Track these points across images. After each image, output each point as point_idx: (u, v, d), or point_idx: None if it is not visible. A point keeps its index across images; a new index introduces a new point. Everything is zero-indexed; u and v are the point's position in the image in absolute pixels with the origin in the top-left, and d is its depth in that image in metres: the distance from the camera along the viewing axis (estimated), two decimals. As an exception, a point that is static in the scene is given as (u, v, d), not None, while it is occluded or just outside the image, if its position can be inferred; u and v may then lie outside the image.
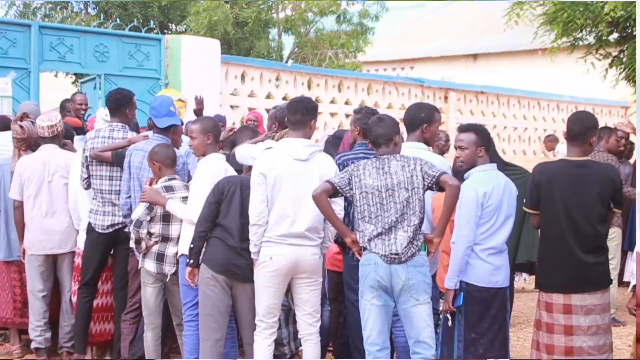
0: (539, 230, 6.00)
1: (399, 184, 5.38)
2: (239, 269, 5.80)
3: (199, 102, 9.00)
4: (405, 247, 5.34)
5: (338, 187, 5.41)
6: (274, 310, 5.72)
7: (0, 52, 10.05)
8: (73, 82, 18.82)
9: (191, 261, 5.85)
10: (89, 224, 6.91)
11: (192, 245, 5.86)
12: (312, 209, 5.54)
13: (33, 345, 7.21)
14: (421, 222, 5.44)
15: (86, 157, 6.84)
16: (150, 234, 6.21)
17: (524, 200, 5.98)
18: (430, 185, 5.40)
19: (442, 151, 8.42)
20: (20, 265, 7.37)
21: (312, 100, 6.15)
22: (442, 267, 6.04)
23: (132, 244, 6.27)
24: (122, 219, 6.80)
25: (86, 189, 6.92)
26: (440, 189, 5.41)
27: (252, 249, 5.67)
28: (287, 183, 5.63)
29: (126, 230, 6.59)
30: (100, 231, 6.85)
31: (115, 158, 6.76)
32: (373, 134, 5.59)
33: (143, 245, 6.20)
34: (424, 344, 5.42)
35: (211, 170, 6.10)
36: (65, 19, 16.78)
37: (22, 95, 10.04)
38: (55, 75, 16.59)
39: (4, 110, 9.75)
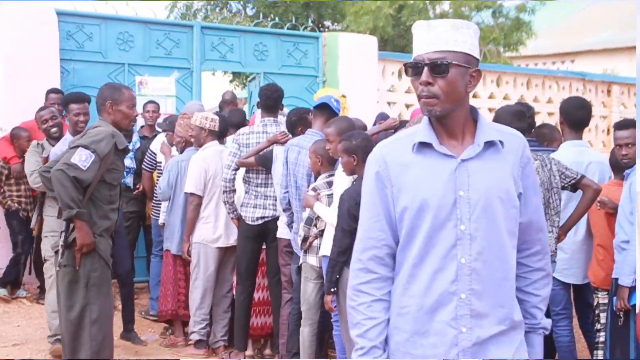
0: None
1: (542, 184, 5.29)
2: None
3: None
4: (554, 249, 5.56)
5: None
6: None
7: (164, 52, 10.36)
8: (231, 81, 19.26)
9: (333, 290, 5.59)
10: (240, 216, 7.08)
11: (337, 276, 5.54)
12: None
13: (195, 337, 7.37)
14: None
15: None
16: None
17: None
18: (565, 185, 5.62)
19: None
20: (186, 259, 7.54)
21: (521, 106, 6.15)
22: (596, 262, 5.88)
23: (299, 241, 6.27)
24: (271, 212, 6.96)
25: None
26: (573, 189, 5.61)
27: None
28: None
29: (284, 223, 6.68)
30: (250, 223, 6.99)
31: (260, 160, 6.87)
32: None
33: (308, 242, 6.21)
34: None
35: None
36: (224, 19, 17.16)
37: (184, 95, 10.33)
38: (213, 74, 16.99)
39: (168, 109, 10.04)
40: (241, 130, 7.23)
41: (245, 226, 7.06)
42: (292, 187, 6.52)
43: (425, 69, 2.79)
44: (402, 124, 6.95)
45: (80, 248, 5.24)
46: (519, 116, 5.55)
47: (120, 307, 7.65)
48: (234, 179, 7.05)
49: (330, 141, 6.00)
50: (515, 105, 6.30)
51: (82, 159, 5.20)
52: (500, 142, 2.86)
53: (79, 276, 5.31)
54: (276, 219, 6.93)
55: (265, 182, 7.01)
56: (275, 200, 6.92)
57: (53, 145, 7.20)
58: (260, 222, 7.00)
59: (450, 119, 2.85)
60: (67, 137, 6.84)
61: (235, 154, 7.02)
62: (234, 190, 7.09)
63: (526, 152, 2.96)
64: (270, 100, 7.15)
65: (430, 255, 2.82)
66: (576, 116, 6.16)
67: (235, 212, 7.15)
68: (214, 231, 7.37)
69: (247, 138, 7.04)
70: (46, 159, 7.03)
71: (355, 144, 5.60)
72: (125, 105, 5.62)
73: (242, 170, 7.08)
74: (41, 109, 7.68)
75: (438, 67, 2.77)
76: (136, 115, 5.91)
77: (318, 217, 6.08)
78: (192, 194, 7.32)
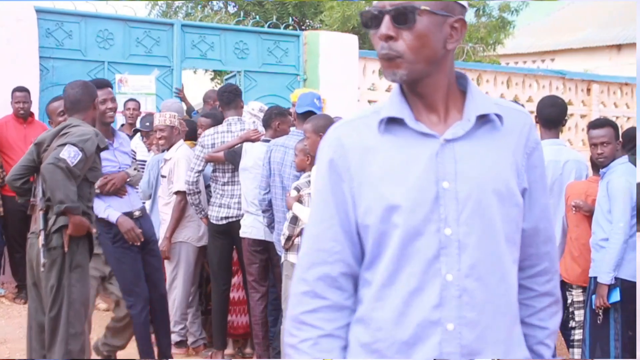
0: None
1: None
2: None
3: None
4: None
5: None
6: None
7: (144, 50, 10.33)
8: (212, 79, 19.21)
9: None
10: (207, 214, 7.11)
11: None
12: None
13: (175, 338, 7.27)
14: None
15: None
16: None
17: None
18: None
19: None
20: (166, 258, 7.47)
21: None
22: (571, 259, 5.91)
23: (282, 240, 6.25)
24: (236, 212, 6.94)
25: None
26: None
27: None
28: None
29: (263, 224, 6.67)
30: (214, 222, 6.98)
31: (229, 155, 6.86)
32: None
33: (291, 241, 6.19)
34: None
35: None
36: (205, 17, 17.12)
37: (165, 93, 10.30)
38: (195, 72, 16.94)
39: (148, 107, 10.01)
40: (206, 132, 7.21)
41: (212, 225, 7.06)
42: (277, 188, 6.49)
43: (386, 17, 2.06)
44: None
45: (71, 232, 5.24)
46: None
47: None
48: (198, 181, 7.04)
49: (307, 137, 5.96)
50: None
51: (71, 155, 5.16)
52: (498, 117, 2.15)
53: (65, 257, 5.29)
54: (241, 218, 6.91)
55: (231, 180, 6.99)
56: (241, 199, 6.91)
57: None
58: (224, 222, 6.98)
59: (427, 86, 2.13)
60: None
61: (198, 157, 7.01)
62: (199, 192, 7.08)
63: (533, 134, 2.23)
64: (225, 98, 7.21)
65: (404, 271, 2.08)
66: (546, 114, 6.17)
67: (203, 212, 7.15)
68: (199, 230, 7.34)
69: (213, 138, 7.04)
70: None
71: None
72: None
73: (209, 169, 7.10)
74: (55, 99, 6.97)
75: (402, 16, 2.04)
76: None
77: None
78: (180, 192, 7.22)
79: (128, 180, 6.22)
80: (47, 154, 5.32)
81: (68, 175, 5.14)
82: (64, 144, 5.22)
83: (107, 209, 6.13)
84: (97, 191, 5.84)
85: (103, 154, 5.71)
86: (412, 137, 2.11)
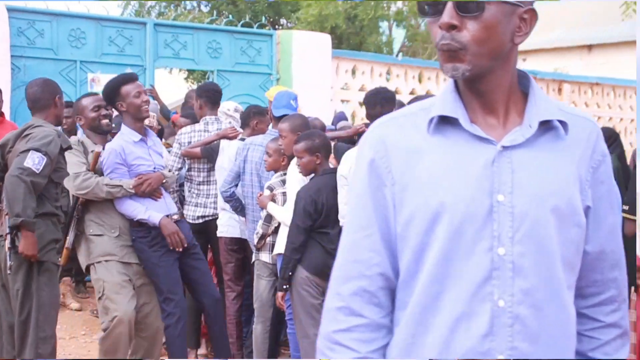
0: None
1: None
2: (330, 270, 5.67)
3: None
4: None
5: None
6: None
7: (116, 49, 10.29)
8: (186, 78, 19.17)
9: (285, 287, 5.61)
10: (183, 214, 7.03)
11: (290, 273, 5.54)
12: None
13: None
14: None
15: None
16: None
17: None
18: None
19: None
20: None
21: (388, 89, 6.02)
22: None
23: (255, 239, 6.25)
24: (212, 210, 6.92)
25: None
26: None
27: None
28: None
29: (230, 217, 6.67)
30: (191, 221, 6.88)
31: (205, 152, 6.86)
32: None
33: (264, 240, 6.19)
34: None
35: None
36: (179, 16, 17.09)
37: (138, 92, 10.25)
38: (170, 72, 16.92)
39: (121, 106, 9.96)
40: (183, 129, 7.22)
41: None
42: (255, 187, 6.47)
43: (449, 5, 1.81)
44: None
45: (22, 253, 5.11)
46: None
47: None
48: (177, 179, 7.02)
49: (282, 137, 5.96)
50: None
51: (36, 162, 5.06)
52: (563, 124, 1.89)
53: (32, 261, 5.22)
54: (217, 218, 6.91)
55: (207, 180, 6.99)
56: (216, 198, 6.91)
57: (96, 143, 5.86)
58: (200, 220, 6.97)
59: (488, 84, 1.88)
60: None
61: (177, 154, 7.02)
62: (177, 191, 7.07)
63: (600, 146, 1.97)
64: (205, 97, 7.21)
65: (449, 293, 1.84)
66: None
67: (179, 211, 7.10)
68: None
69: (190, 137, 7.04)
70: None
71: (318, 143, 5.59)
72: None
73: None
74: (85, 96, 6.33)
75: (469, 3, 1.79)
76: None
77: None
78: None
79: (164, 181, 5.74)
80: (12, 155, 5.26)
81: (30, 190, 5.05)
82: (28, 150, 5.12)
83: (148, 211, 5.57)
84: (132, 191, 5.48)
85: (137, 152, 5.56)
86: (465, 141, 1.87)
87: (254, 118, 6.77)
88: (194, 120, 7.52)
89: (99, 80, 10.01)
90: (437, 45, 1.86)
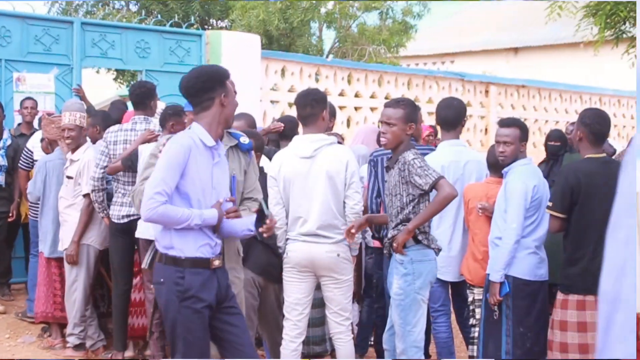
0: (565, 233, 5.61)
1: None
2: (275, 269, 5.78)
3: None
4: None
5: None
6: (297, 307, 5.64)
7: (43, 49, 10.13)
8: (115, 79, 18.98)
9: None
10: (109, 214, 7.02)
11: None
12: (322, 207, 5.49)
13: (74, 341, 7.25)
14: None
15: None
16: None
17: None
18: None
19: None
20: (60, 261, 7.39)
21: (319, 90, 6.03)
22: (473, 260, 6.04)
23: None
24: (138, 210, 6.85)
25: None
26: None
27: (280, 249, 5.69)
28: (295, 183, 5.56)
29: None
30: (115, 221, 6.91)
31: (126, 163, 6.79)
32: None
33: None
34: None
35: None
36: (107, 15, 16.91)
37: (64, 92, 10.12)
38: (97, 72, 16.75)
39: (47, 106, 9.83)
40: (110, 128, 7.16)
41: (113, 224, 6.98)
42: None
43: None
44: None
45: None
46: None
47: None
48: (103, 177, 6.96)
49: None
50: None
51: None
52: None
53: None
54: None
55: (132, 180, 6.92)
56: None
57: None
58: (126, 220, 6.91)
59: None
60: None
61: (103, 152, 6.96)
62: (104, 189, 7.00)
63: None
64: (134, 97, 7.15)
65: None
66: (443, 115, 6.32)
67: (105, 211, 7.04)
68: (102, 233, 7.25)
69: (115, 135, 6.99)
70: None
71: (259, 143, 5.79)
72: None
73: None
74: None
75: None
76: None
77: None
78: (89, 195, 7.06)
79: None
80: None
81: None
82: None
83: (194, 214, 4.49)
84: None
85: None
86: None
87: (170, 119, 6.68)
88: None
89: (25, 80, 9.88)
90: None
